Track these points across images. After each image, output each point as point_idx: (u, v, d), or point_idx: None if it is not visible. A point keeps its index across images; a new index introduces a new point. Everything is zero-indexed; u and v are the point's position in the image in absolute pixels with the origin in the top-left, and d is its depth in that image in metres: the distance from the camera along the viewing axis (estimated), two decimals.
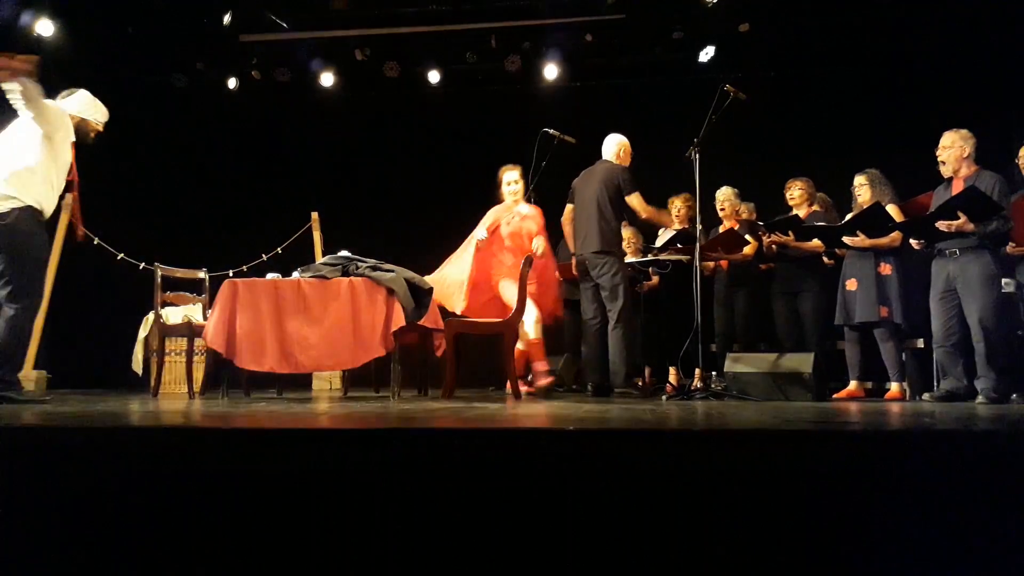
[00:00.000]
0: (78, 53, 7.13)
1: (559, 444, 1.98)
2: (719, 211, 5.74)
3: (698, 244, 4.85)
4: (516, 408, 3.38)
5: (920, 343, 5.24)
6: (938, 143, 4.59)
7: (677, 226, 5.86)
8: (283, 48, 7.23)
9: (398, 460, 1.99)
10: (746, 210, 5.77)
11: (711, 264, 5.66)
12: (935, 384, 4.82)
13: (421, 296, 4.66)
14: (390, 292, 4.45)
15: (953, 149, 4.47)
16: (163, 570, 2.00)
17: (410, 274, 4.71)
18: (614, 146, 5.24)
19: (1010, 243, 4.60)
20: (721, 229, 5.69)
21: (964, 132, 4.49)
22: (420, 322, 4.71)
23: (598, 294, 5.06)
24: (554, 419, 2.61)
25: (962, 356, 4.47)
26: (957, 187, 4.48)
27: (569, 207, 5.32)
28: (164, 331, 5.06)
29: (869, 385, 5.13)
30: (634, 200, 5.06)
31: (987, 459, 1.94)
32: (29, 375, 6.56)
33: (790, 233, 5.23)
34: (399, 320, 4.39)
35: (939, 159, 4.54)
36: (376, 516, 1.96)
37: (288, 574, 1.98)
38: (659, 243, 5.85)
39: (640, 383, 5.36)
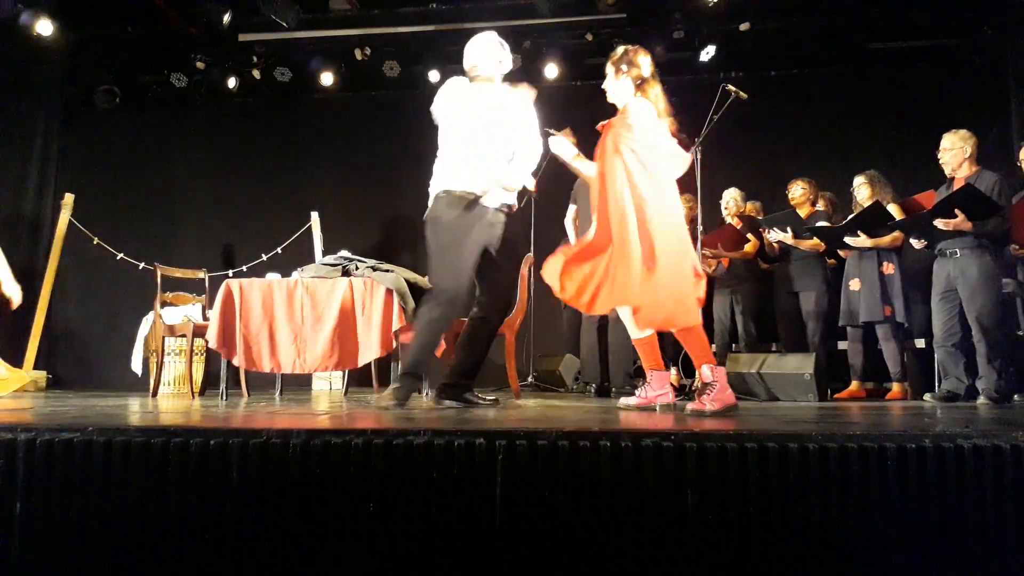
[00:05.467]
0: (78, 53, 7.13)
1: (557, 445, 1.96)
2: (724, 210, 5.72)
3: (699, 244, 4.83)
4: (517, 409, 3.36)
5: (921, 343, 5.23)
6: (939, 144, 4.58)
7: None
8: (283, 47, 7.22)
9: (398, 461, 1.98)
10: (752, 209, 5.76)
11: (713, 263, 5.64)
12: (936, 384, 4.81)
13: (421, 295, 4.64)
14: (390, 292, 4.44)
15: (954, 151, 4.46)
16: (164, 570, 2.00)
17: (409, 273, 4.69)
18: None
19: (1013, 245, 4.60)
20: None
21: (964, 133, 4.48)
22: None
23: None
24: (553, 420, 2.60)
25: (963, 356, 4.46)
26: (957, 187, 4.47)
27: (572, 208, 5.29)
28: (163, 331, 5.05)
29: (870, 386, 5.12)
30: None
31: (989, 460, 1.93)
32: (29, 375, 6.56)
33: (789, 230, 5.22)
34: (399, 320, 4.38)
35: (940, 161, 4.54)
36: (374, 516, 1.95)
37: (287, 572, 1.97)
38: None
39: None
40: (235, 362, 4.54)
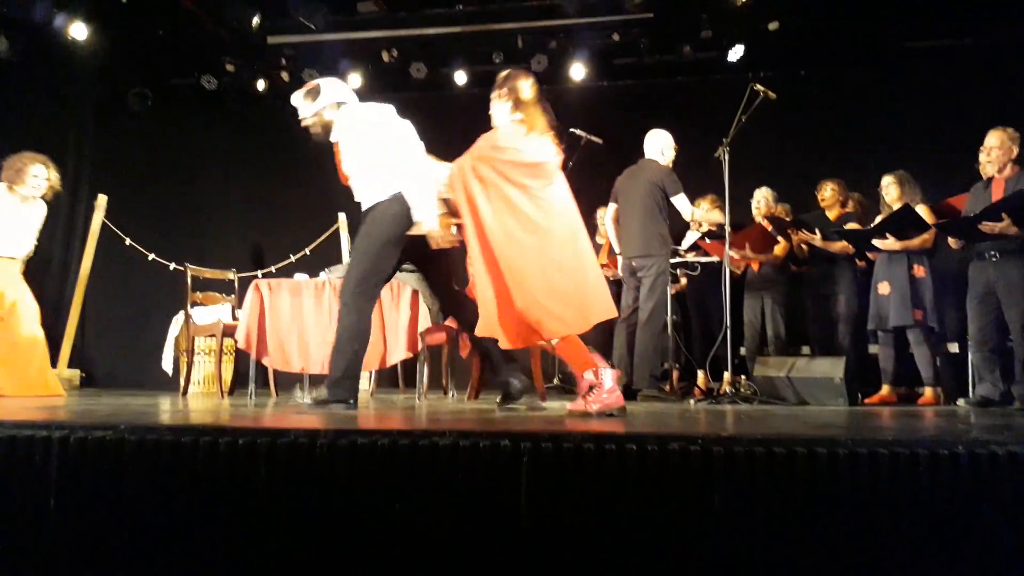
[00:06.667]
0: (110, 56, 7.25)
1: (583, 448, 1.95)
2: (754, 210, 5.67)
3: (727, 245, 4.80)
4: (542, 411, 3.36)
5: (955, 347, 5.13)
6: (971, 143, 4.50)
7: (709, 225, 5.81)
8: (311, 50, 7.27)
9: (424, 461, 1.98)
10: (781, 211, 5.70)
11: (742, 265, 5.59)
12: (970, 389, 4.73)
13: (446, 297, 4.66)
14: (416, 293, 4.46)
15: (1002, 149, 4.37)
16: (192, 566, 2.02)
17: None
18: (658, 143, 5.13)
19: None
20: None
21: (1011, 131, 4.39)
22: (446, 322, 4.71)
23: (639, 294, 5.00)
24: (579, 422, 2.59)
25: (999, 361, 4.38)
26: (998, 187, 4.38)
27: (612, 206, 5.26)
28: (193, 331, 5.12)
29: (902, 390, 5.04)
30: (679, 202, 4.97)
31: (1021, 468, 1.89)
32: (63, 374, 6.68)
33: (817, 231, 5.16)
34: (425, 320, 4.40)
35: (985, 158, 4.43)
36: (400, 516, 1.96)
37: (312, 570, 1.98)
38: (686, 244, 5.79)
39: (668, 388, 5.30)
40: (264, 362, 4.60)
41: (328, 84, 3.64)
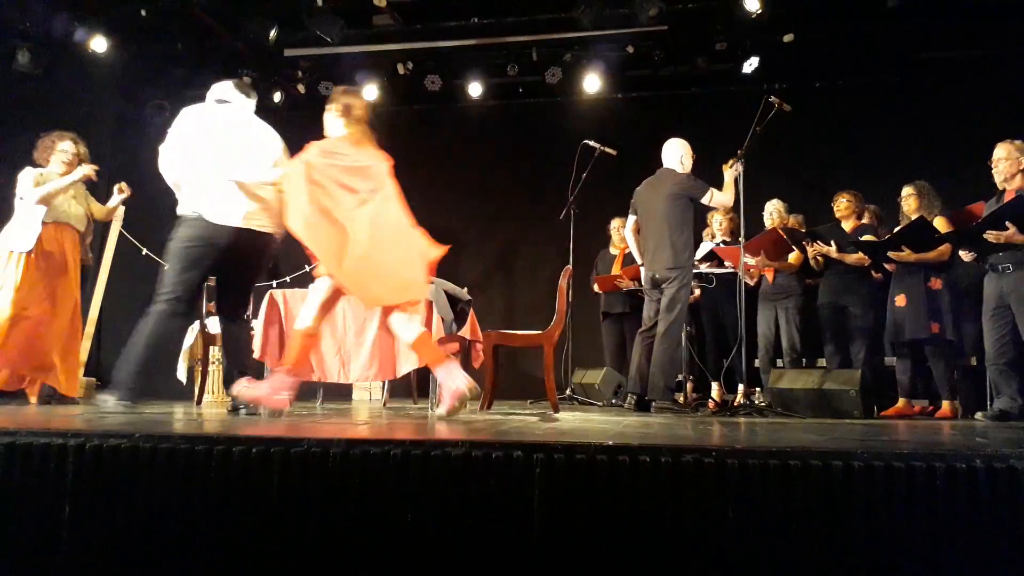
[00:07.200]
0: (129, 68, 7.34)
1: (596, 459, 1.95)
2: (767, 223, 5.65)
3: (742, 258, 4.78)
4: (554, 421, 3.35)
5: (973, 361, 5.08)
6: (988, 155, 4.48)
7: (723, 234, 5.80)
8: (327, 62, 7.34)
9: (436, 472, 1.98)
10: (795, 222, 5.67)
11: (756, 275, 5.56)
12: (988, 403, 4.68)
13: (458, 306, 4.67)
14: (429, 303, 4.47)
15: (1008, 161, 4.35)
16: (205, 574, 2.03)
17: (449, 285, 4.72)
18: (676, 152, 5.07)
19: None
20: None
21: (1019, 143, 4.37)
22: (459, 333, 4.72)
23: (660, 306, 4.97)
24: (592, 434, 2.58)
25: (1017, 374, 4.33)
26: (1008, 199, 4.35)
27: (632, 218, 5.24)
28: (208, 340, 5.15)
29: (918, 408, 4.99)
30: (712, 199, 4.91)
31: None
32: (79, 381, 6.73)
33: (832, 243, 5.13)
34: (438, 331, 4.40)
35: (993, 170, 4.42)
36: (412, 526, 1.96)
37: None
38: (700, 254, 5.78)
39: (682, 399, 5.27)
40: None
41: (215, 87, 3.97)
